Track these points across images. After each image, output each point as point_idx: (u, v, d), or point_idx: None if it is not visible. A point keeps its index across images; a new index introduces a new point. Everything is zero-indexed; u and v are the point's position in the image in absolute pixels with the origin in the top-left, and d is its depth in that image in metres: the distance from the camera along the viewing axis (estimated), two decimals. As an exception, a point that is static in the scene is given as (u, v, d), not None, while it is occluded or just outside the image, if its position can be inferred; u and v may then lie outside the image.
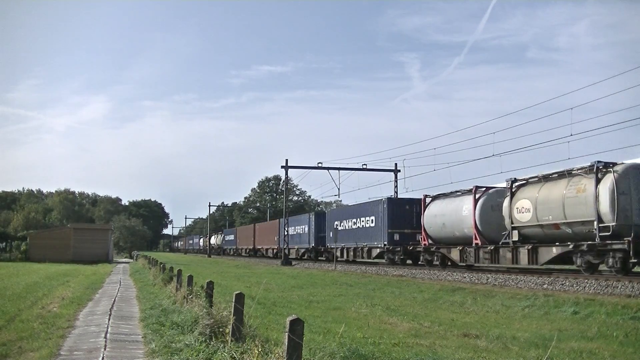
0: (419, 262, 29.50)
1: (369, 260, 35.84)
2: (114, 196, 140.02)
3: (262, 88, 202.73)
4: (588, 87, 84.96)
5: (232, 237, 76.08)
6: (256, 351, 6.03)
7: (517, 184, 22.08)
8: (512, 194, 21.92)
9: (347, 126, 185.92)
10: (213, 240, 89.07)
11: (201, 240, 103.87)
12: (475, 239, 23.76)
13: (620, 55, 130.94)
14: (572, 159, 19.50)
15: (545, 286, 18.15)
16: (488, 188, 24.62)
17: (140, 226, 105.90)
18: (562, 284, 17.82)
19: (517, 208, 21.51)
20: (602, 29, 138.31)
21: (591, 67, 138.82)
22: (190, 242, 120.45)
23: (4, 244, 55.28)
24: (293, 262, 43.08)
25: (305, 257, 46.12)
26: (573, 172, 19.55)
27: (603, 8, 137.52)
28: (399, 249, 30.69)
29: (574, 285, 17.31)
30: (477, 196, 24.34)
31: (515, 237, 21.48)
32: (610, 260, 17.97)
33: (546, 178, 20.87)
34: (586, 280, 17.37)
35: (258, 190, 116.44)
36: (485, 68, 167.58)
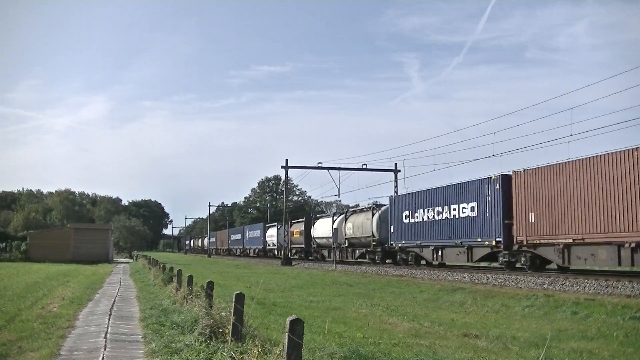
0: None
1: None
2: (114, 196, 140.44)
3: (261, 88, 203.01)
4: (588, 87, 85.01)
5: (414, 216, 29.65)
6: (256, 351, 6.04)
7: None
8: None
9: (347, 126, 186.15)
10: (337, 226, 41.34)
11: (270, 233, 56.66)
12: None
13: (620, 55, 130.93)
14: (572, 160, 19.52)
15: (545, 286, 18.14)
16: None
17: (140, 226, 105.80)
18: (562, 284, 17.82)
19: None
20: (601, 29, 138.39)
21: (590, 67, 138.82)
22: (237, 237, 73.54)
23: (4, 244, 55.30)
24: (293, 262, 43.08)
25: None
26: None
27: (602, 8, 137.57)
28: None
29: (574, 285, 17.31)
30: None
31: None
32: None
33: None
34: (586, 280, 17.38)
35: (258, 190, 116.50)
36: (485, 68, 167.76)
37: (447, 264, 28.06)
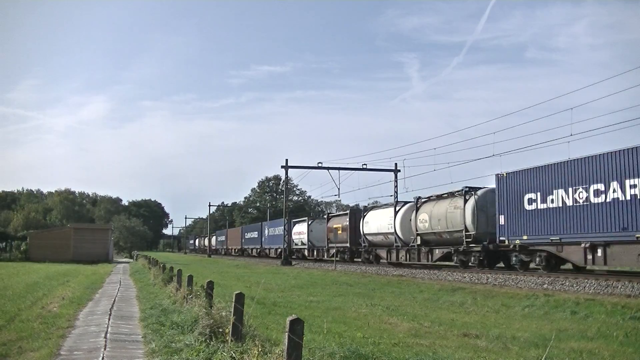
0: None
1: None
2: (114, 196, 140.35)
3: (261, 88, 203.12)
4: (588, 87, 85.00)
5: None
6: (256, 351, 6.03)
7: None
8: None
9: (347, 126, 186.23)
10: (402, 219, 31.22)
11: (298, 229, 48.00)
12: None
13: (620, 55, 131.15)
14: (572, 159, 19.47)
15: (545, 286, 18.15)
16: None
17: (140, 226, 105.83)
18: (562, 284, 17.83)
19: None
20: (601, 29, 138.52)
21: (590, 67, 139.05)
22: (252, 235, 64.77)
23: (4, 244, 55.32)
24: (293, 262, 43.06)
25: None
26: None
27: (602, 8, 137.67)
28: None
29: (574, 285, 17.32)
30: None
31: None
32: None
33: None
34: (586, 280, 17.39)
35: (258, 190, 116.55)
36: (485, 68, 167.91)
37: (613, 269, 20.72)
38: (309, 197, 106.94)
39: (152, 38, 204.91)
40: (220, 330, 7.82)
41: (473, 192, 25.29)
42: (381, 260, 33.87)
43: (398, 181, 44.01)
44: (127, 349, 8.52)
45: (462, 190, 25.73)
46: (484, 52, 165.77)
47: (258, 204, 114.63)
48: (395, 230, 31.09)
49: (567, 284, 17.75)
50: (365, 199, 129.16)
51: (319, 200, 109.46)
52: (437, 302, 16.52)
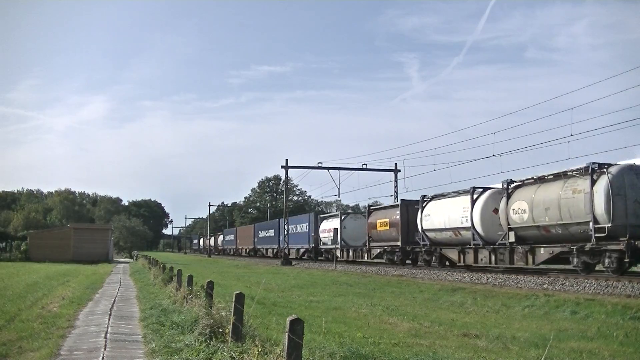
0: None
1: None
2: (114, 196, 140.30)
3: (261, 88, 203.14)
4: (588, 87, 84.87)
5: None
6: (256, 351, 6.04)
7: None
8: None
9: (347, 126, 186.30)
10: (483, 210, 24.20)
11: (327, 226, 41.47)
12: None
13: (620, 55, 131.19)
14: (572, 159, 19.27)
15: (545, 286, 18.14)
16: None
17: (140, 226, 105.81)
18: (562, 284, 17.82)
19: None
20: (601, 29, 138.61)
21: (590, 67, 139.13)
22: (267, 233, 59.00)
23: (4, 244, 55.32)
24: (293, 262, 43.04)
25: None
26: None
27: (602, 8, 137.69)
28: None
29: (574, 286, 17.31)
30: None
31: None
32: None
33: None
34: (586, 280, 17.38)
35: (258, 190, 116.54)
36: (484, 68, 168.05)
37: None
38: (309, 197, 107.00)
39: (152, 38, 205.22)
40: (220, 330, 7.82)
41: (604, 170, 18.10)
42: (449, 264, 27.57)
43: (398, 181, 44.06)
44: (127, 349, 8.52)
45: (588, 166, 18.43)
46: (484, 52, 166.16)
47: (258, 204, 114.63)
48: (472, 224, 24.47)
49: (567, 284, 17.75)
50: (365, 199, 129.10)
51: (319, 200, 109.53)
52: (437, 302, 16.52)
